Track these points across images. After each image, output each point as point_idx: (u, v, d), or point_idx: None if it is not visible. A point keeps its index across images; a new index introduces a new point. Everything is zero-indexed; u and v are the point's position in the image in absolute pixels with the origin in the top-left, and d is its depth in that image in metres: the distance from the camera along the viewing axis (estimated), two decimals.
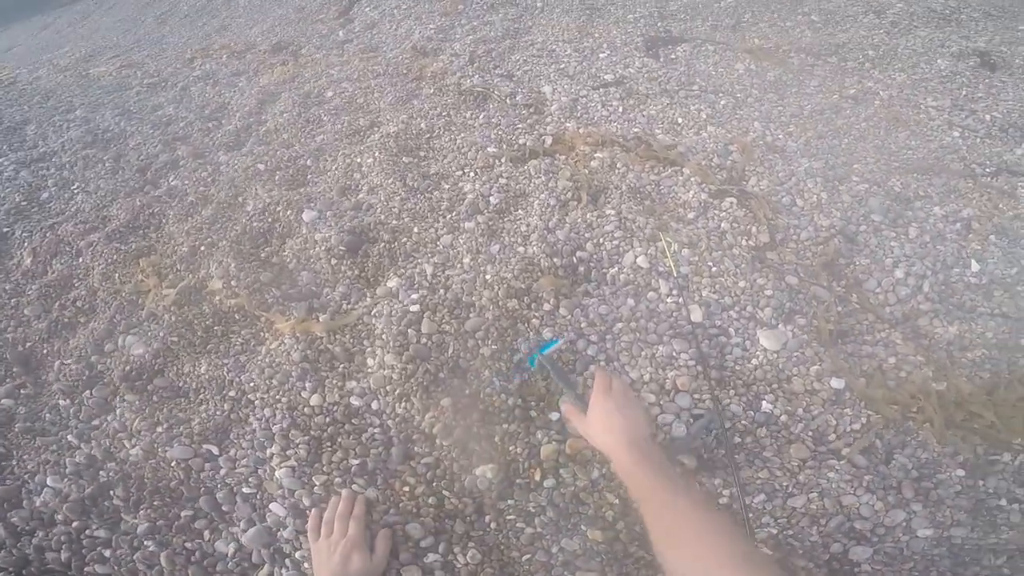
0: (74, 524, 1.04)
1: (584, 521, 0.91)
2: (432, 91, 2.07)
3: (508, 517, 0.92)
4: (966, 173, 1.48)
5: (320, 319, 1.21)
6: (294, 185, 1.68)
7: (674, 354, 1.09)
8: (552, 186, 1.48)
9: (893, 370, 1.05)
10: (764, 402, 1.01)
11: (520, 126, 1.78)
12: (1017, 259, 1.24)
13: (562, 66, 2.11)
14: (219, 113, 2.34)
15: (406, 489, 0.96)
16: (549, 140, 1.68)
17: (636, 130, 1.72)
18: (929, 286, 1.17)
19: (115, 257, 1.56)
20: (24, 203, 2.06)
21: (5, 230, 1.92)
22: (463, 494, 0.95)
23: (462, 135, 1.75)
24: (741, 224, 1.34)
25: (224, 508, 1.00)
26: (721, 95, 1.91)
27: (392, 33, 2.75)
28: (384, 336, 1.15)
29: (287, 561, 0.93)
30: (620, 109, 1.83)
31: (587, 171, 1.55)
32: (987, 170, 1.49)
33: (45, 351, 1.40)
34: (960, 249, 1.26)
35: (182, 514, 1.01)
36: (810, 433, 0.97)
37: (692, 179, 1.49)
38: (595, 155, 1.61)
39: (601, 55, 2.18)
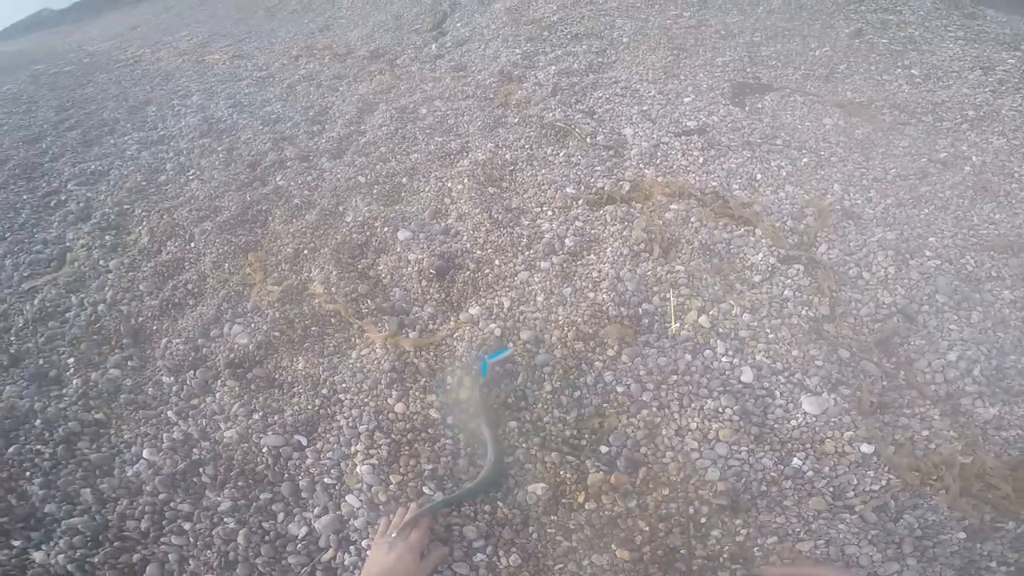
0: (160, 496, 1.17)
1: (615, 542, 1.01)
2: (516, 120, 2.20)
3: (549, 531, 1.04)
4: None
5: (409, 335, 1.38)
6: (390, 201, 1.86)
7: (720, 408, 1.16)
8: (626, 235, 1.56)
9: (924, 441, 1.09)
10: (795, 458, 1.08)
11: (599, 168, 1.87)
12: None
13: (645, 108, 2.17)
14: (322, 117, 2.58)
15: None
16: (627, 186, 1.76)
17: (714, 184, 1.76)
18: (980, 371, 1.18)
19: (225, 248, 1.79)
20: (144, 183, 2.34)
21: (126, 207, 2.19)
22: (514, 506, 1.08)
23: (543, 172, 1.87)
24: (804, 294, 1.37)
25: (303, 495, 1.13)
26: (804, 152, 1.90)
27: (480, 53, 2.91)
28: (464, 359, 1.29)
29: (351, 548, 1.05)
30: (700, 160, 1.87)
31: (661, 222, 1.62)
32: None
33: (154, 328, 1.60)
34: (1022, 336, 1.24)
35: (262, 496, 1.14)
36: (831, 489, 1.04)
37: (763, 241, 1.52)
38: (671, 206, 1.67)
39: (685, 99, 2.22)
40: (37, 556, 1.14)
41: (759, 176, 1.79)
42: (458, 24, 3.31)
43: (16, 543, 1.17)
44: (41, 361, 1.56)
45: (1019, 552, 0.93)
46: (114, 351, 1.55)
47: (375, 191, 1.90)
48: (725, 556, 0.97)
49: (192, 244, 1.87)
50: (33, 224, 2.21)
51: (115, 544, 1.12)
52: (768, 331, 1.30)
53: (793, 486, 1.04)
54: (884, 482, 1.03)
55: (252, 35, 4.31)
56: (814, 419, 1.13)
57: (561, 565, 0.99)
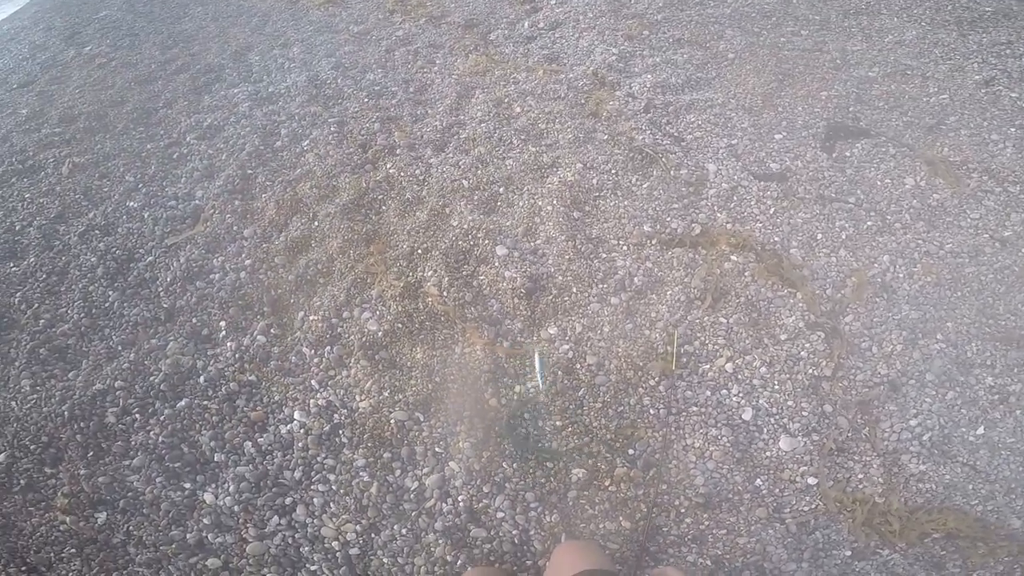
0: (310, 451, 1.45)
1: (623, 515, 1.38)
2: (606, 137, 2.34)
3: (582, 502, 1.47)
4: None
5: (503, 345, 1.78)
6: (488, 211, 2.16)
7: (720, 436, 1.52)
8: (686, 282, 1.84)
9: (857, 481, 1.37)
10: (759, 479, 1.42)
11: (676, 206, 2.06)
12: None
13: (734, 142, 2.23)
14: (423, 96, 2.75)
15: (530, 471, 1.53)
16: (698, 229, 1.98)
17: (776, 239, 1.94)
18: (929, 437, 1.40)
19: (349, 235, 2.06)
20: (262, 147, 2.50)
21: (249, 172, 2.38)
22: (561, 482, 1.51)
23: (625, 203, 2.08)
24: (816, 357, 1.61)
25: (416, 457, 1.45)
26: (872, 214, 1.95)
27: (574, 44, 2.87)
28: (542, 371, 1.70)
29: (449, 500, 1.40)
30: (771, 210, 2.01)
31: (719, 272, 1.88)
32: None
33: (291, 301, 1.86)
34: (983, 414, 1.42)
35: (385, 455, 1.45)
36: (775, 504, 1.37)
37: (800, 305, 1.73)
38: (731, 256, 1.90)
39: (776, 136, 2.25)
40: (207, 497, 1.40)
41: (820, 236, 1.91)
42: (553, 2, 3.20)
43: (187, 485, 1.43)
44: (195, 320, 1.87)
45: (882, 573, 1.23)
46: (257, 318, 1.79)
47: (476, 197, 2.18)
48: (689, 536, 1.34)
49: (316, 224, 2.12)
50: (162, 177, 2.44)
51: (273, 490, 1.42)
52: (776, 383, 1.59)
53: (750, 498, 1.38)
54: (813, 505, 1.35)
55: None
56: (784, 454, 1.43)
57: (584, 525, 1.39)
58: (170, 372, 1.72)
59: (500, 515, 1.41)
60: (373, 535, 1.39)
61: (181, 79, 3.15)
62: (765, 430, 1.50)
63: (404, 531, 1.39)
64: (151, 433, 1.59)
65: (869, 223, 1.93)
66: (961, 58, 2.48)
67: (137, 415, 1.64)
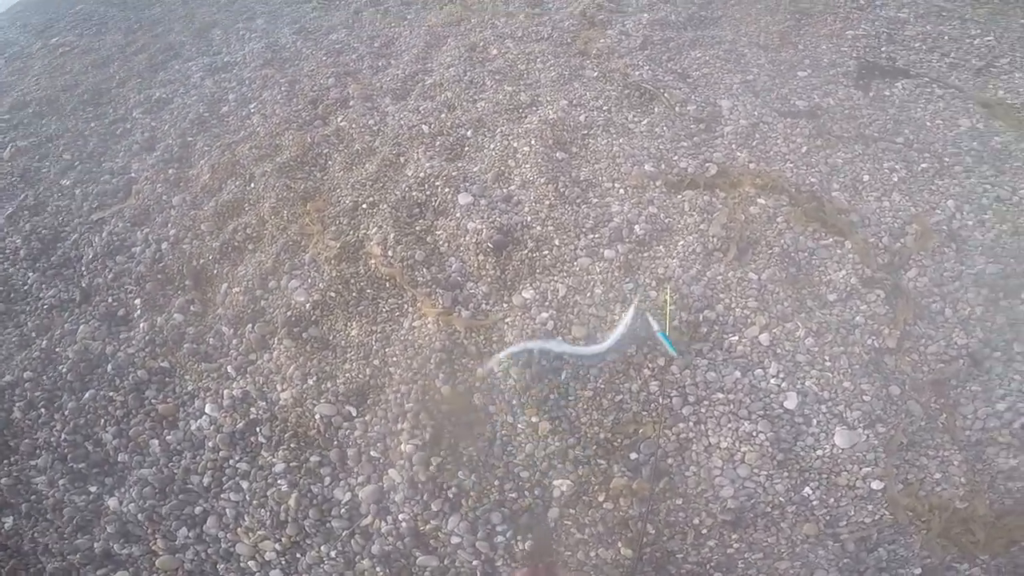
0: (221, 453, 1.25)
1: (622, 540, 1.09)
2: (596, 74, 1.98)
3: (566, 522, 1.11)
4: None
5: (462, 314, 1.36)
6: (452, 157, 1.77)
7: (755, 432, 1.15)
8: (703, 229, 1.43)
9: (933, 483, 1.10)
10: (807, 487, 1.11)
11: (684, 144, 1.68)
12: None
13: (749, 78, 1.90)
14: (388, 50, 2.43)
15: (496, 483, 1.15)
16: (713, 169, 1.59)
17: (812, 180, 1.56)
18: (1022, 424, 1.14)
19: (285, 194, 1.77)
20: (207, 114, 2.31)
21: (189, 139, 2.18)
22: (539, 497, 1.13)
23: (620, 140, 1.70)
24: (876, 323, 1.27)
25: (349, 463, 1.21)
26: (926, 155, 1.63)
27: None
28: (512, 348, 1.27)
29: (389, 517, 1.14)
30: (803, 149, 1.64)
31: (744, 218, 1.46)
32: None
33: (215, 271, 1.64)
34: None
35: (312, 459, 1.22)
36: (828, 517, 1.08)
37: (850, 256, 1.38)
38: (758, 199, 1.51)
39: (800, 73, 1.92)
40: (111, 503, 1.25)
41: (866, 178, 1.57)
42: None
43: (92, 489, 1.27)
44: (110, 299, 1.64)
45: None
46: (178, 293, 1.58)
47: (438, 143, 1.81)
48: (712, 564, 1.05)
49: (252, 185, 1.87)
50: (101, 153, 2.26)
51: (180, 497, 1.24)
52: (827, 358, 1.24)
53: (795, 511, 1.08)
54: (877, 516, 1.07)
55: None
56: (840, 452, 1.14)
57: (570, 553, 1.08)
58: (77, 359, 1.50)
59: (455, 540, 1.12)
60: (298, 555, 1.16)
61: (139, 59, 2.98)
62: (815, 421, 1.18)
63: (333, 553, 1.15)
64: (55, 429, 1.39)
65: (924, 165, 1.61)
66: (1001, 2, 2.19)
67: (43, 409, 1.43)
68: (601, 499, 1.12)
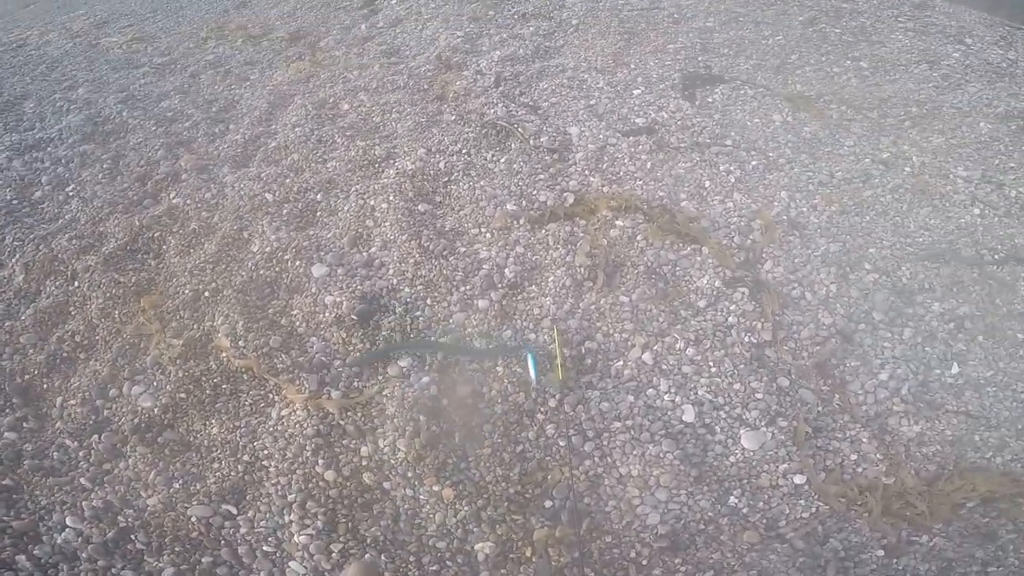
0: (99, 563, 1.08)
1: None
2: (454, 118, 1.97)
3: None
4: (974, 261, 1.45)
5: (332, 395, 1.22)
6: (303, 224, 1.62)
7: (662, 454, 1.13)
8: (569, 261, 1.44)
9: (852, 465, 1.13)
10: (732, 496, 1.10)
11: (542, 176, 1.70)
12: (996, 360, 1.26)
13: (592, 102, 2.00)
14: (226, 114, 2.23)
15: (412, 560, 1.02)
16: (571, 199, 1.62)
17: (661, 194, 1.65)
18: (908, 388, 1.21)
19: (114, 290, 1.53)
20: (15, 201, 1.97)
21: None
22: (464, 563, 1.03)
23: (481, 183, 1.68)
24: (748, 319, 1.33)
25: (244, 560, 1.05)
26: (753, 153, 1.81)
27: (417, 35, 2.59)
28: (396, 420, 1.16)
29: None
30: (648, 164, 1.74)
31: (606, 242, 1.50)
32: (996, 257, 1.46)
33: (45, 386, 1.40)
34: (947, 351, 1.27)
35: (203, 559, 1.06)
36: (765, 521, 1.07)
37: (709, 261, 1.46)
38: (616, 222, 1.55)
39: (635, 92, 2.06)
40: None
41: (707, 183, 1.69)
42: (394, 1, 2.93)
43: None
44: None
45: (930, 563, 0.99)
46: (4, 412, 1.35)
47: (285, 211, 1.65)
48: None
49: (75, 284, 1.59)
50: None
51: None
52: (711, 364, 1.26)
53: (729, 522, 1.07)
54: (813, 509, 1.07)
55: (158, 13, 3.65)
56: (751, 454, 1.14)
57: None
58: None
59: None
60: None
61: None
62: (717, 429, 1.19)
63: None
64: None
65: (754, 163, 1.78)
66: (782, 2, 2.59)
67: None
68: (528, 554, 1.04)
